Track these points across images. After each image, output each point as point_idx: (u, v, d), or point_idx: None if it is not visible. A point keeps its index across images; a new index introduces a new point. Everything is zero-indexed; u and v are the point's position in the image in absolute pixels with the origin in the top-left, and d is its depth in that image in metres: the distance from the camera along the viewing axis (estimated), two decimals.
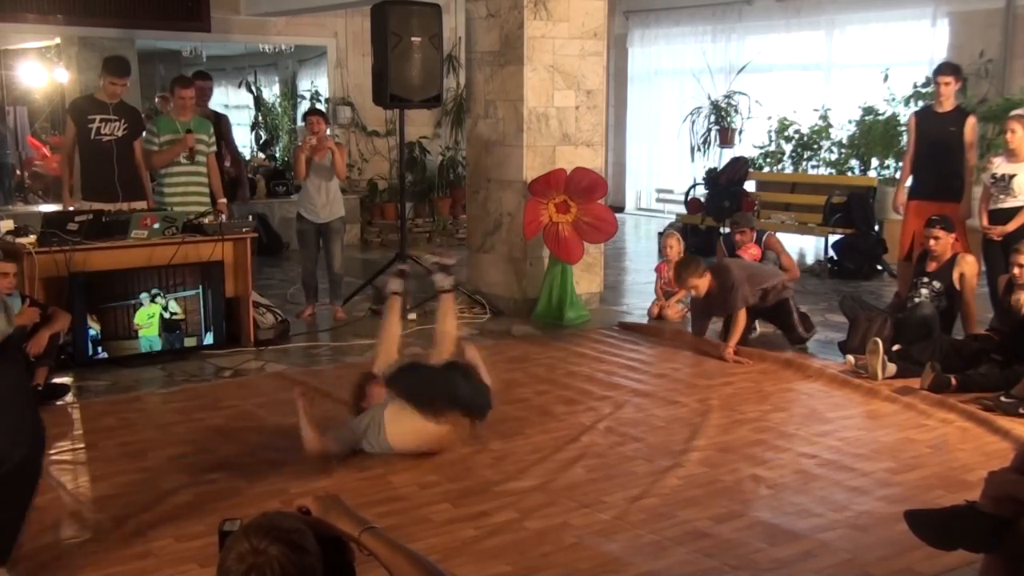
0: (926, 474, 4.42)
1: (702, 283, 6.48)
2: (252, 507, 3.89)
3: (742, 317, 6.43)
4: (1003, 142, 6.94)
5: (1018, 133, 6.63)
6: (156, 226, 6.29)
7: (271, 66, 14.89)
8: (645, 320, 7.62)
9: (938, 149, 7.21)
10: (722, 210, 10.47)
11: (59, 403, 5.46)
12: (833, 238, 9.95)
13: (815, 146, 11.32)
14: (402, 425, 4.46)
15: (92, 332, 6.00)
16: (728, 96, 12.24)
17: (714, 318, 6.80)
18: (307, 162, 7.38)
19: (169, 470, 4.45)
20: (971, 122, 7.22)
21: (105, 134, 6.78)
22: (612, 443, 4.81)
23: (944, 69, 7.31)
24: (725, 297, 6.44)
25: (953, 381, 5.53)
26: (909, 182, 7.50)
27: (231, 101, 14.19)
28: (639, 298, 8.39)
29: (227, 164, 8.32)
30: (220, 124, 7.92)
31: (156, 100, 11.41)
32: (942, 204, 7.03)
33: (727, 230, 10.15)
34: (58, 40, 11.00)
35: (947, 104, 7.26)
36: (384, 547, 1.85)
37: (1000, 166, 6.78)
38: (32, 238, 6.03)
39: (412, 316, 7.51)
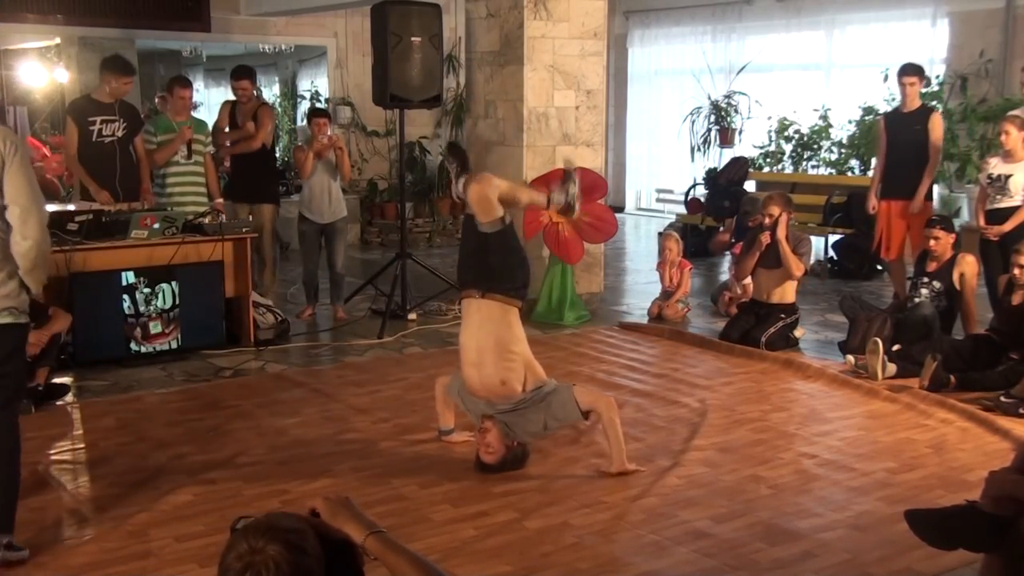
0: (926, 474, 4.42)
1: (784, 217, 6.67)
2: (252, 507, 3.90)
3: (796, 265, 6.63)
4: (998, 143, 6.98)
5: (1012, 134, 6.65)
6: (156, 226, 6.29)
7: (271, 66, 14.89)
8: (645, 320, 7.62)
9: (905, 148, 7.30)
10: (722, 210, 10.47)
11: (59, 403, 5.46)
12: (833, 238, 9.96)
13: (815, 146, 11.31)
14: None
15: None
16: (728, 96, 12.24)
17: (716, 315, 6.81)
18: (313, 159, 7.38)
19: (169, 470, 4.45)
20: (936, 119, 7.30)
21: (107, 135, 6.78)
22: None
23: (908, 70, 7.38)
24: (796, 244, 6.66)
25: (952, 380, 5.54)
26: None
27: None
28: (639, 298, 8.39)
29: (226, 164, 8.33)
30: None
31: (156, 100, 11.41)
32: (911, 203, 7.11)
33: (721, 228, 10.18)
34: (58, 40, 11.00)
35: (912, 104, 7.35)
36: (389, 551, 1.85)
37: (996, 166, 6.79)
38: None
39: (412, 316, 7.52)
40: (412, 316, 7.53)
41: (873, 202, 7.56)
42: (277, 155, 13.83)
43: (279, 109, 14.32)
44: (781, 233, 6.61)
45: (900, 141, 7.36)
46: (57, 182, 11.88)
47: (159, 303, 6.20)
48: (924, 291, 6.35)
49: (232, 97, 7.84)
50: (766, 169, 11.71)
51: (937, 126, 7.28)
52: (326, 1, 10.64)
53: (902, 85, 7.36)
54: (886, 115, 7.84)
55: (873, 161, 10.72)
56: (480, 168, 7.95)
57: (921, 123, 7.26)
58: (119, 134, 6.84)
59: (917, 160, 7.26)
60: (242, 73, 7.64)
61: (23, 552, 3.55)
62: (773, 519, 3.91)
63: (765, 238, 6.70)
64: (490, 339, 4.33)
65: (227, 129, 7.82)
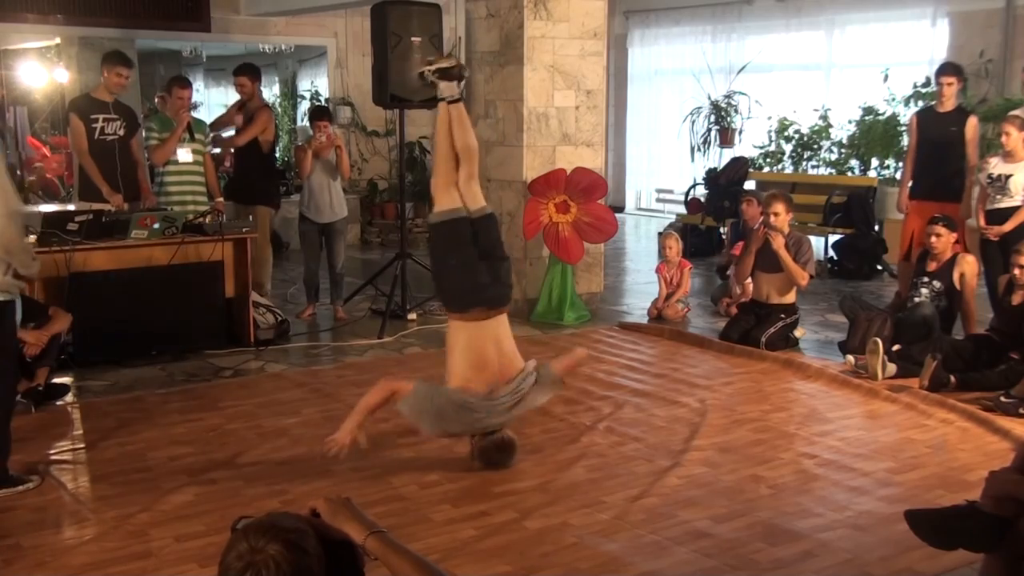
0: (926, 474, 4.42)
1: (785, 219, 6.68)
2: (252, 507, 3.90)
3: (799, 274, 6.59)
4: (999, 143, 6.97)
5: (1013, 135, 6.65)
6: (156, 226, 6.29)
7: (271, 66, 14.88)
8: (645, 320, 7.62)
9: (939, 149, 7.22)
10: (722, 210, 10.48)
11: (59, 403, 5.46)
12: (833, 238, 9.96)
13: (815, 146, 11.32)
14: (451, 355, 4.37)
15: None
16: (728, 96, 12.24)
17: (722, 308, 6.82)
18: (312, 158, 7.38)
19: (169, 470, 4.45)
20: (972, 122, 7.24)
21: (108, 133, 6.78)
22: (612, 443, 4.81)
23: (947, 69, 7.34)
24: (797, 250, 6.63)
25: (953, 379, 5.54)
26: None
27: (231, 101, 14.18)
28: (639, 298, 8.39)
29: (226, 164, 8.34)
30: None
31: (156, 100, 11.41)
32: (943, 204, 7.04)
33: (723, 230, 10.19)
34: (58, 40, 11.00)
35: (948, 104, 7.29)
36: (389, 552, 1.85)
37: (996, 166, 6.79)
38: (32, 238, 6.02)
39: (412, 316, 7.52)
40: (412, 316, 7.53)
41: (905, 202, 7.49)
42: (277, 155, 13.85)
43: (279, 109, 14.33)
44: (779, 244, 6.58)
45: (932, 141, 7.27)
46: (57, 182, 11.88)
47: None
48: (924, 291, 6.34)
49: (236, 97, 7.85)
50: (766, 169, 11.72)
51: (973, 129, 7.21)
52: (326, 1, 10.64)
53: (940, 84, 7.29)
54: (918, 113, 7.74)
55: (874, 161, 10.77)
56: (480, 168, 7.95)
57: (957, 125, 7.20)
58: (120, 132, 6.84)
59: (948, 161, 7.19)
60: (240, 70, 7.65)
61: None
62: (773, 519, 3.91)
63: (761, 233, 6.70)
64: (511, 342, 4.39)
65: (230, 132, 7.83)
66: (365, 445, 4.37)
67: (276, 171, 8.74)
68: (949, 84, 7.23)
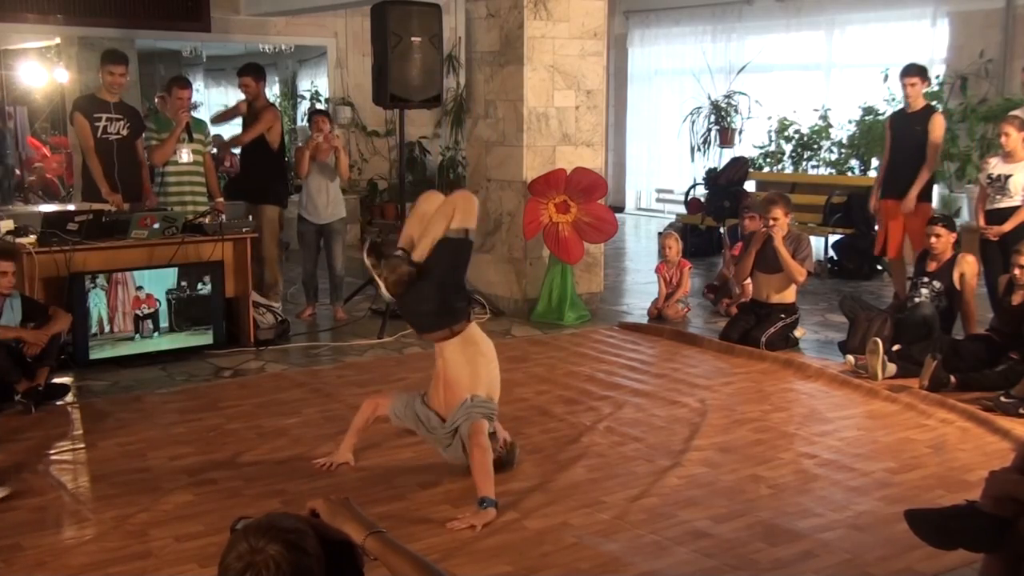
0: (926, 474, 4.42)
1: (784, 222, 6.66)
2: (252, 507, 3.90)
3: (798, 271, 6.58)
4: (998, 143, 7.00)
5: (1012, 135, 6.66)
6: (156, 226, 6.29)
7: (271, 66, 14.84)
8: (645, 320, 7.62)
9: (907, 149, 7.34)
10: (722, 210, 10.47)
11: (59, 403, 5.46)
12: (833, 238, 9.96)
13: (815, 146, 11.32)
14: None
15: None
16: (728, 96, 12.24)
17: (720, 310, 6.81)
18: (310, 159, 7.38)
19: (169, 470, 4.45)
20: (936, 120, 7.30)
21: (111, 133, 6.78)
22: (612, 443, 4.81)
23: (910, 70, 7.42)
24: (796, 247, 6.63)
25: (953, 379, 5.54)
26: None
27: (231, 101, 14.18)
28: (639, 298, 8.39)
29: (226, 164, 8.34)
30: None
31: (156, 100, 11.41)
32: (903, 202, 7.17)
33: (723, 229, 10.17)
34: (58, 40, 11.00)
35: (915, 104, 7.38)
36: (388, 551, 1.85)
37: (996, 166, 6.80)
38: (32, 238, 6.03)
39: None
40: None
41: (873, 202, 7.62)
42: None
43: (279, 109, 14.30)
44: (779, 240, 6.59)
45: (902, 141, 7.39)
46: (57, 182, 11.87)
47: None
48: (924, 291, 6.34)
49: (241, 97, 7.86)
50: (766, 169, 11.71)
51: (937, 126, 7.28)
52: (326, 1, 10.64)
53: (903, 85, 7.39)
54: (891, 116, 7.91)
55: (874, 161, 10.78)
56: (480, 168, 7.97)
57: (922, 124, 7.28)
58: (123, 133, 6.84)
59: (917, 160, 7.28)
60: (245, 70, 7.65)
61: None
62: (773, 519, 3.91)
63: (761, 233, 6.70)
64: (456, 371, 4.29)
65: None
66: (353, 463, 4.49)
67: (285, 170, 8.76)
68: (912, 85, 7.34)
